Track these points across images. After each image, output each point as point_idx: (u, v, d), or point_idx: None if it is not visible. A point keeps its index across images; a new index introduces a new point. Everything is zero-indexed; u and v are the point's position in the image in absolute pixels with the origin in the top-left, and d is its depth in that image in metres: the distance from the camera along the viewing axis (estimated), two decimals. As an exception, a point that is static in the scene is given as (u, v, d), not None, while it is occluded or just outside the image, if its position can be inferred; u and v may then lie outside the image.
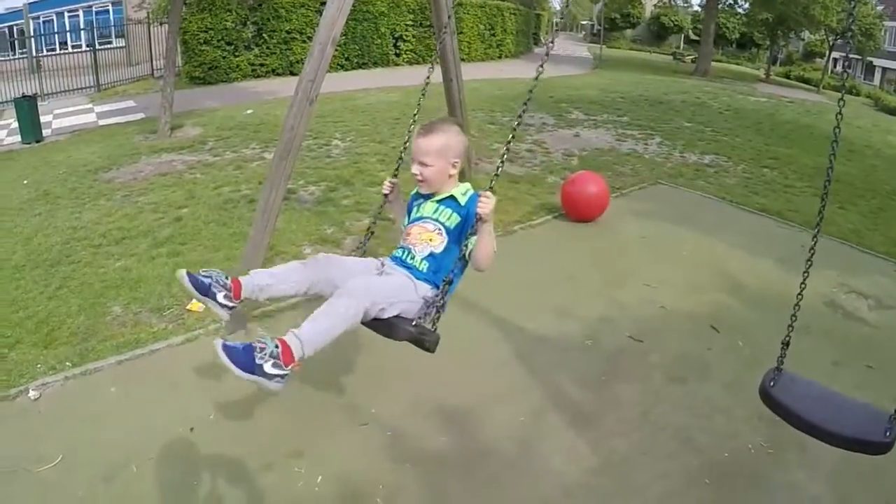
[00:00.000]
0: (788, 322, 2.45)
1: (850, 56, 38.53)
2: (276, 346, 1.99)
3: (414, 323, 2.33)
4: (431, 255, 2.44)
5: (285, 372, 1.99)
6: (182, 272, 2.25)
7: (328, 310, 2.12)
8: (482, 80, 17.80)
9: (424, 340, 2.29)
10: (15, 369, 4.08)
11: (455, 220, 2.46)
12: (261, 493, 3.02)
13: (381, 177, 8.26)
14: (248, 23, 18.32)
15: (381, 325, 2.32)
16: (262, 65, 18.94)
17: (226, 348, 1.97)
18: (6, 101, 14.84)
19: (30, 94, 11.89)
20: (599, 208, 6.83)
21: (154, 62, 19.59)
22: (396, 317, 2.31)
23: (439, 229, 2.46)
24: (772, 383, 2.34)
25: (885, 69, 44.28)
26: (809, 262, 2.48)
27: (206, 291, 2.26)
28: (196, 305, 4.95)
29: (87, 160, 9.36)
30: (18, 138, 11.20)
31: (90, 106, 15.04)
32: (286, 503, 2.98)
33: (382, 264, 2.55)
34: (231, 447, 3.33)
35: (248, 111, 13.21)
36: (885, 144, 14.78)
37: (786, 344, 2.44)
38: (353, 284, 2.20)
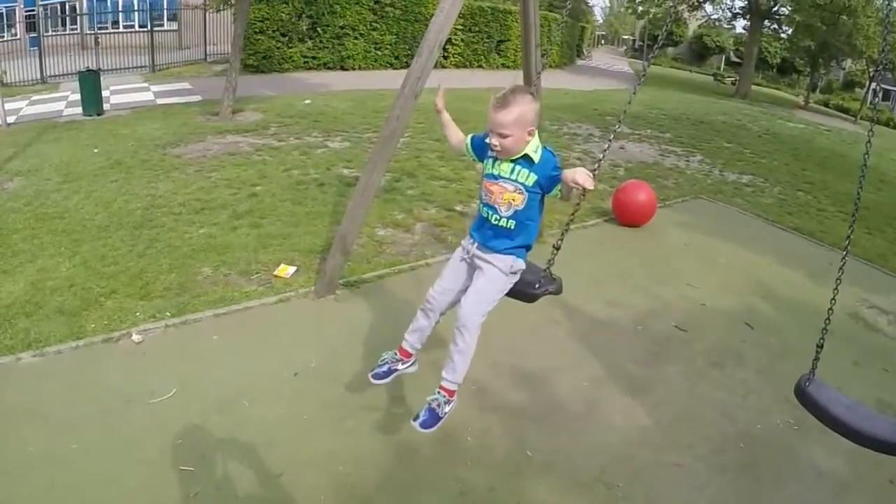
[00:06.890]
0: (815, 325, 2.79)
1: (888, 88, 38.38)
2: (444, 396, 2.80)
3: (536, 286, 2.88)
4: (515, 213, 2.68)
5: (453, 401, 2.83)
6: (369, 377, 3.03)
7: (458, 349, 2.75)
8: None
9: (553, 292, 2.99)
10: (115, 315, 4.37)
11: (532, 178, 2.64)
12: (365, 430, 3.50)
13: (441, 172, 8.83)
14: (304, 16, 18.93)
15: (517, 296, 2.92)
16: (314, 58, 19.56)
17: (422, 424, 2.77)
18: (62, 75, 15.52)
19: (94, 68, 12.33)
20: (647, 215, 7.29)
21: (207, 47, 20.11)
22: (520, 287, 2.87)
23: (519, 189, 2.66)
24: (807, 383, 2.72)
25: (923, 102, 43.94)
26: (843, 263, 2.87)
27: (389, 374, 3.02)
28: (283, 271, 5.32)
29: (153, 135, 9.80)
30: (79, 110, 11.47)
31: (146, 85, 15.51)
32: (388, 438, 3.47)
33: (467, 251, 2.86)
34: (333, 390, 3.76)
35: (306, 101, 13.71)
36: (917, 177, 15.04)
37: (820, 346, 2.75)
38: (463, 317, 2.69)
